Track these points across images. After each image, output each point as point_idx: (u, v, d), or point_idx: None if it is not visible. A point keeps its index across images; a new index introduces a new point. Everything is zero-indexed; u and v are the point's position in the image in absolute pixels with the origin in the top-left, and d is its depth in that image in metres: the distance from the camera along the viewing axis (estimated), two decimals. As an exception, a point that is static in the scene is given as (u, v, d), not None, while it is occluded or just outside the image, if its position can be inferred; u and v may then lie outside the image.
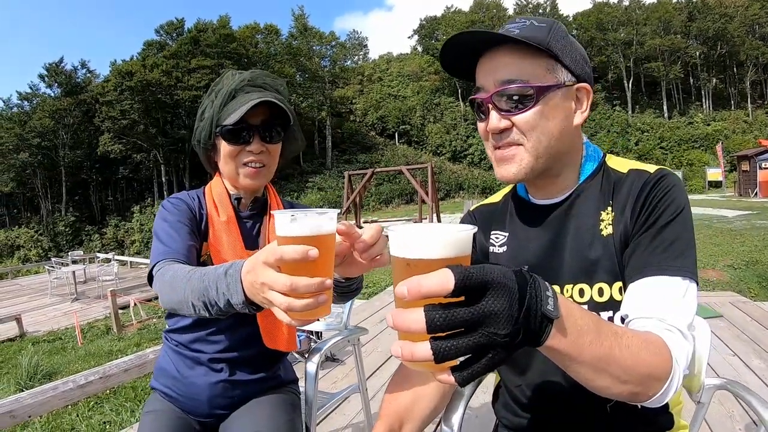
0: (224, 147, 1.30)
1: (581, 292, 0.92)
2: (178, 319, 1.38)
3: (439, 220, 11.34)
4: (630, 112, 45.54)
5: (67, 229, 39.68)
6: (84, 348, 7.48)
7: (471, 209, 1.20)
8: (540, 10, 52.03)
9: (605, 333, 0.63)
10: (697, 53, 45.88)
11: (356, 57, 59.04)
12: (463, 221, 1.17)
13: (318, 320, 1.02)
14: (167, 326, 1.45)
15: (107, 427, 3.82)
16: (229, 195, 1.39)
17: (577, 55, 0.93)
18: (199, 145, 1.37)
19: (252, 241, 1.40)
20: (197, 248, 1.29)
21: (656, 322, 0.78)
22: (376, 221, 13.23)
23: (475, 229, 0.57)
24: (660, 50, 45.26)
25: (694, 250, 0.87)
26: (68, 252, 24.64)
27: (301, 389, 1.66)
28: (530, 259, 0.99)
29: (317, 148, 49.63)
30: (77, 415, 4.07)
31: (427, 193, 11.57)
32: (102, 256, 16.28)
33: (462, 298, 0.48)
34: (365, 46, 60.35)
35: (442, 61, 0.95)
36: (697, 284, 0.85)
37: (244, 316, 1.13)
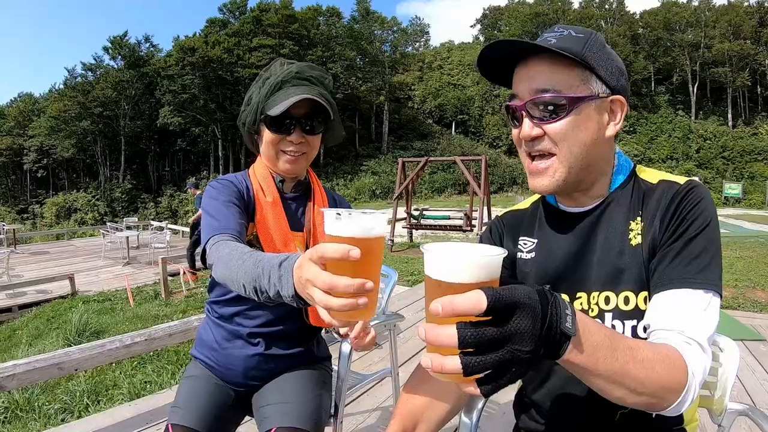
0: (267, 134, 1.36)
1: (607, 300, 0.93)
2: (220, 291, 1.44)
3: (489, 215, 11.23)
4: (693, 117, 43.76)
5: (123, 196, 41.01)
6: (132, 310, 7.66)
7: (499, 215, 1.19)
8: (606, 6, 50.44)
9: (620, 348, 0.67)
10: (767, 61, 44.16)
11: (417, 43, 58.73)
12: (490, 227, 1.18)
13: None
14: (209, 297, 1.50)
15: (147, 386, 3.96)
16: (273, 177, 1.44)
17: (613, 67, 0.93)
18: (244, 128, 1.43)
19: (297, 222, 1.45)
20: (246, 227, 1.32)
21: (676, 335, 0.80)
22: (426, 209, 13.26)
23: (506, 253, 0.61)
24: (728, 55, 43.30)
25: (720, 263, 0.87)
26: (123, 218, 25.18)
27: (335, 368, 1.71)
28: (558, 266, 1.00)
29: (374, 132, 49.58)
30: (120, 372, 4.31)
31: (479, 186, 11.41)
32: (155, 224, 16.44)
33: (490, 317, 0.53)
34: (427, 33, 59.86)
35: (480, 66, 0.96)
36: (721, 297, 0.85)
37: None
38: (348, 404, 2.74)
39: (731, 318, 4.96)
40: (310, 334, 1.51)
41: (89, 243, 19.01)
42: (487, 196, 11.47)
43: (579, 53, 0.87)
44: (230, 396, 1.45)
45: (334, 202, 1.57)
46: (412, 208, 12.64)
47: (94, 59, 46.62)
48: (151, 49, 48.83)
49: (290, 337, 1.46)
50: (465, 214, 11.32)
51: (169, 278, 9.19)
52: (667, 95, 47.16)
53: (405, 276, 8.35)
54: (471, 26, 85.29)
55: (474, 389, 0.56)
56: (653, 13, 49.00)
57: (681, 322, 0.80)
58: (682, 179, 0.95)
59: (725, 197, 32.99)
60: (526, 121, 0.90)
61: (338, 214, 0.73)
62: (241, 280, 0.97)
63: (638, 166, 1.02)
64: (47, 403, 3.69)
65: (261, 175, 1.44)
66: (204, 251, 1.21)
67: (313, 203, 1.47)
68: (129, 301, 8.41)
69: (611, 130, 0.93)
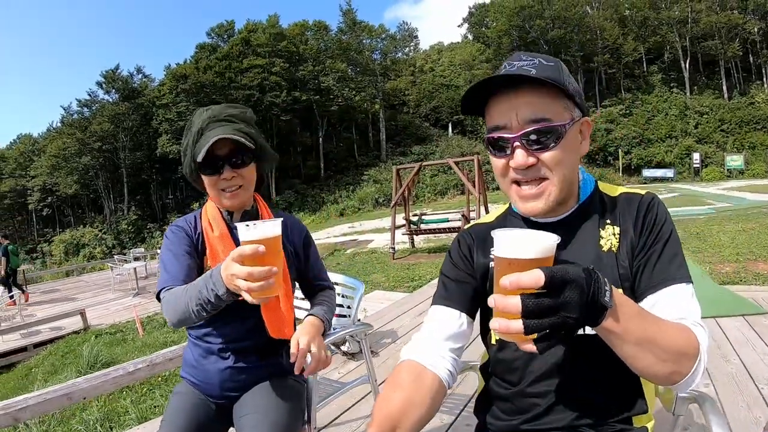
0: (204, 178, 1.49)
1: None
2: None
3: (486, 211, 11.31)
4: (688, 93, 43.19)
5: (129, 228, 41.25)
6: (142, 340, 7.83)
7: (466, 228, 1.23)
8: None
9: (648, 320, 0.82)
10: (756, 29, 43.85)
11: (407, 48, 58.31)
12: (458, 240, 1.21)
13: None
14: None
15: (156, 410, 4.14)
16: (221, 213, 1.57)
17: (579, 90, 1.00)
18: (189, 177, 1.57)
19: None
20: (199, 264, 1.52)
21: (683, 321, 0.91)
22: (425, 214, 13.35)
23: (559, 239, 0.75)
24: (716, 27, 43.05)
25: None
26: (130, 249, 25.46)
27: (316, 378, 1.79)
28: None
29: (371, 141, 49.57)
30: (131, 401, 4.44)
31: (474, 186, 11.50)
32: (162, 252, 16.71)
33: (546, 290, 0.67)
34: (415, 37, 59.35)
35: (464, 105, 1.00)
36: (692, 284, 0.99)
37: (247, 310, 1.45)
38: (339, 415, 2.85)
39: (732, 293, 4.94)
40: (275, 347, 1.60)
41: (99, 277, 19.25)
42: (483, 194, 11.50)
43: (561, 81, 0.92)
44: (212, 409, 1.57)
45: (285, 225, 1.61)
46: (411, 213, 12.69)
47: (89, 95, 47.31)
48: (144, 79, 49.32)
49: (257, 351, 1.57)
50: (462, 215, 11.36)
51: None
52: (660, 74, 46.67)
53: (405, 282, 8.40)
54: (458, 26, 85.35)
55: (531, 347, 0.71)
56: (638, -7, 48.83)
57: (681, 311, 0.92)
58: (641, 191, 1.07)
59: (728, 170, 32.82)
60: (520, 152, 0.93)
61: (247, 225, 1.05)
62: (189, 306, 1.24)
63: (599, 181, 1.12)
64: (63, 434, 3.81)
65: (210, 214, 1.57)
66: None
67: None
68: (139, 332, 8.54)
69: (585, 148, 1.02)
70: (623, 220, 1.03)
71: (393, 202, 12.08)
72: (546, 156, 0.94)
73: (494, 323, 0.70)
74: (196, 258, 1.53)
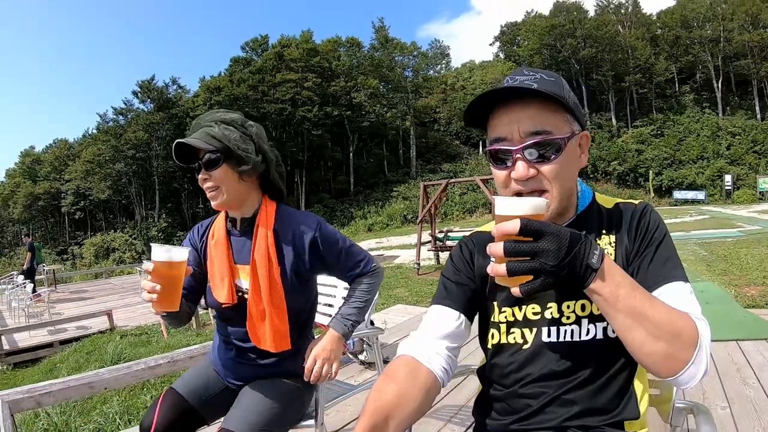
0: None
1: (583, 307, 1.02)
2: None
3: None
4: (720, 114, 42.31)
5: (159, 234, 41.77)
6: (166, 342, 7.98)
7: (467, 235, 1.27)
8: (622, 11, 50.05)
9: (640, 291, 0.85)
10: (789, 47, 42.72)
11: (438, 66, 58.52)
12: (460, 245, 1.23)
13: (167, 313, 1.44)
14: None
15: None
16: (226, 219, 1.66)
17: (579, 104, 1.02)
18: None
19: (244, 256, 1.61)
20: (199, 271, 1.68)
21: None
22: (451, 230, 13.25)
23: (547, 201, 0.86)
24: (749, 46, 42.24)
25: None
26: None
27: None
28: None
29: (402, 157, 49.76)
30: (150, 397, 4.54)
31: None
32: (190, 259, 17.05)
33: (531, 239, 0.77)
34: (447, 55, 59.48)
35: (467, 117, 1.03)
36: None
37: (240, 318, 1.59)
38: (351, 421, 2.87)
39: (756, 317, 4.83)
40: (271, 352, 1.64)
41: (127, 281, 19.61)
42: (508, 212, 11.45)
43: (562, 95, 0.95)
44: (221, 385, 1.73)
45: (277, 234, 1.64)
46: (437, 230, 12.68)
47: (125, 103, 48.07)
48: (179, 90, 50.17)
49: (256, 351, 1.64)
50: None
51: (202, 311, 9.41)
52: (692, 94, 45.91)
53: (427, 297, 8.33)
54: (490, 44, 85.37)
55: (517, 290, 0.79)
56: (670, 12, 48.02)
57: (680, 307, 0.91)
58: (635, 201, 1.11)
59: (760, 192, 31.96)
60: (521, 164, 0.95)
61: (157, 248, 1.30)
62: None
63: (595, 193, 1.15)
64: (83, 425, 3.92)
65: (218, 221, 1.69)
66: None
67: (255, 240, 1.58)
68: (163, 334, 8.71)
69: (583, 161, 1.06)
70: (618, 229, 1.06)
71: (419, 218, 12.09)
72: (546, 168, 0.96)
73: (488, 267, 0.81)
74: (200, 264, 1.69)
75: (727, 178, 33.81)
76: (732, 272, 7.54)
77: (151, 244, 1.35)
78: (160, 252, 1.29)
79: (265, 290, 1.54)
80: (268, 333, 1.55)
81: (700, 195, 34.07)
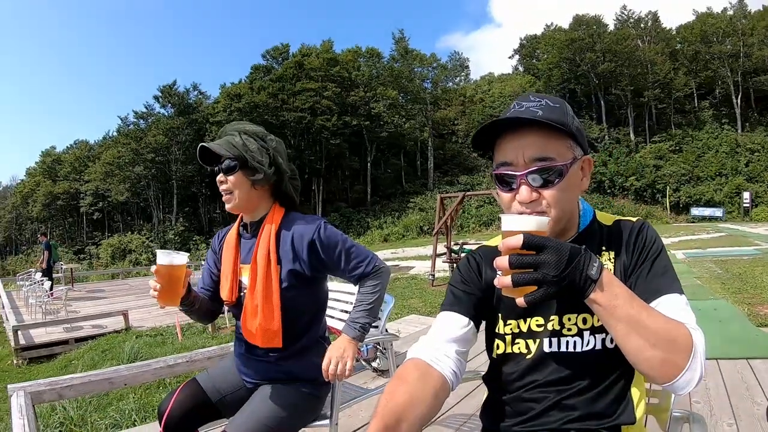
0: None
1: (584, 320, 1.07)
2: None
3: None
4: (739, 130, 41.89)
5: (176, 238, 42.10)
6: (181, 344, 8.03)
7: (474, 249, 1.32)
8: (642, 25, 49.79)
9: (637, 301, 0.89)
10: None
11: (458, 78, 58.67)
12: (467, 258, 1.28)
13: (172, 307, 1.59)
14: None
15: None
16: (239, 223, 1.80)
17: (582, 130, 1.07)
18: None
19: (248, 256, 1.73)
20: (216, 273, 1.84)
21: None
22: (466, 243, 13.25)
23: (549, 219, 0.95)
24: (769, 62, 41.88)
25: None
26: None
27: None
28: None
29: (419, 168, 49.84)
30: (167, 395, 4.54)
31: None
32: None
33: (533, 252, 0.83)
34: (466, 67, 59.65)
35: (475, 141, 1.10)
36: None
37: (239, 311, 1.71)
38: (362, 426, 2.92)
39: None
40: (279, 350, 1.71)
41: (143, 282, 19.63)
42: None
43: (565, 123, 1.01)
44: (239, 384, 1.83)
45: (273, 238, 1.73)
46: (453, 242, 12.70)
47: (146, 107, 48.81)
48: (200, 96, 50.81)
49: (264, 349, 1.71)
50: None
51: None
52: (711, 110, 45.56)
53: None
54: (509, 57, 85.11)
55: (522, 301, 0.84)
56: (689, 27, 47.58)
57: (677, 317, 0.94)
58: (633, 219, 1.17)
59: (780, 212, 31.50)
60: (525, 188, 1.00)
61: (161, 252, 1.49)
62: None
63: (596, 211, 1.21)
64: (99, 419, 4.02)
65: (233, 226, 1.84)
66: None
67: (258, 241, 1.69)
68: (178, 336, 8.83)
69: (584, 185, 1.11)
70: (617, 246, 1.11)
71: (435, 230, 12.09)
72: (548, 193, 1.01)
73: (496, 280, 0.87)
74: (214, 267, 1.86)
75: (746, 195, 33.44)
76: (746, 291, 7.48)
77: (156, 250, 1.55)
78: (164, 257, 1.48)
79: (259, 287, 1.63)
80: (257, 328, 1.65)
81: (718, 212, 33.70)
